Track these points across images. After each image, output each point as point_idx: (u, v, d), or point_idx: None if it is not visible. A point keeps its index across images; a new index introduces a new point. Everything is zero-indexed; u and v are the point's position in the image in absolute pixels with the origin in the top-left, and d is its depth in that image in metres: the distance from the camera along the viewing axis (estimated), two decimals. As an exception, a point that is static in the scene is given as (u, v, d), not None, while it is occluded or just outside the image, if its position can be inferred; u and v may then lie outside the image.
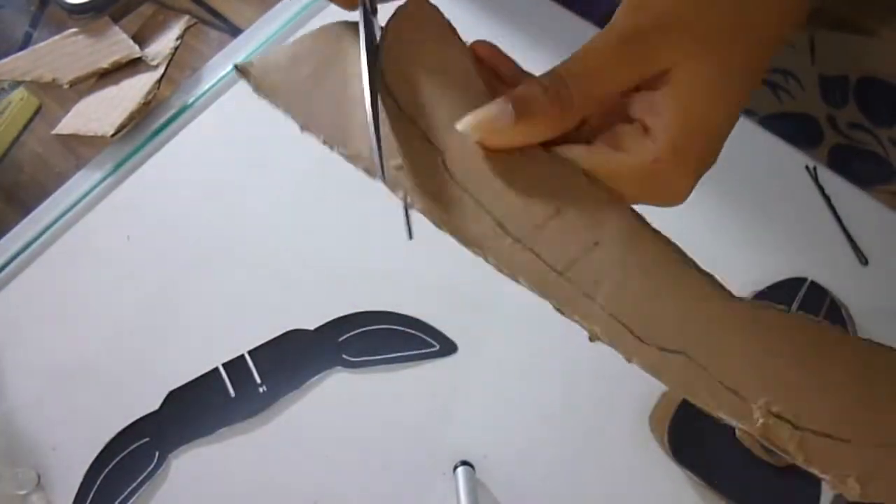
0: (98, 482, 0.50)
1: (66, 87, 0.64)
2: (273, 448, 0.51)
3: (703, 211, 0.58)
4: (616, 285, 0.25)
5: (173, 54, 0.66)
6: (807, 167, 0.59)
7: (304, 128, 0.31)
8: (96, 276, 0.57)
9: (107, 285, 0.56)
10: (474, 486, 0.48)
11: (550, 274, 0.25)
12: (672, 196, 0.29)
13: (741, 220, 0.57)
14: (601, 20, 0.29)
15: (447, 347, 0.53)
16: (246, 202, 0.59)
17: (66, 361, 0.54)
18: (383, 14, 0.31)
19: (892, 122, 0.71)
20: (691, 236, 0.56)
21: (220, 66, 0.64)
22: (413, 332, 0.54)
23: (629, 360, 0.25)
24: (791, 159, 0.59)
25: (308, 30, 0.69)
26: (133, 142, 0.61)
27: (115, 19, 0.67)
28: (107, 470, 0.50)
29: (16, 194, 0.62)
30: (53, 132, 0.63)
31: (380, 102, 0.27)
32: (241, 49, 0.65)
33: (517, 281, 0.26)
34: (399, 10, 0.29)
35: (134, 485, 0.50)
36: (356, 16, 0.30)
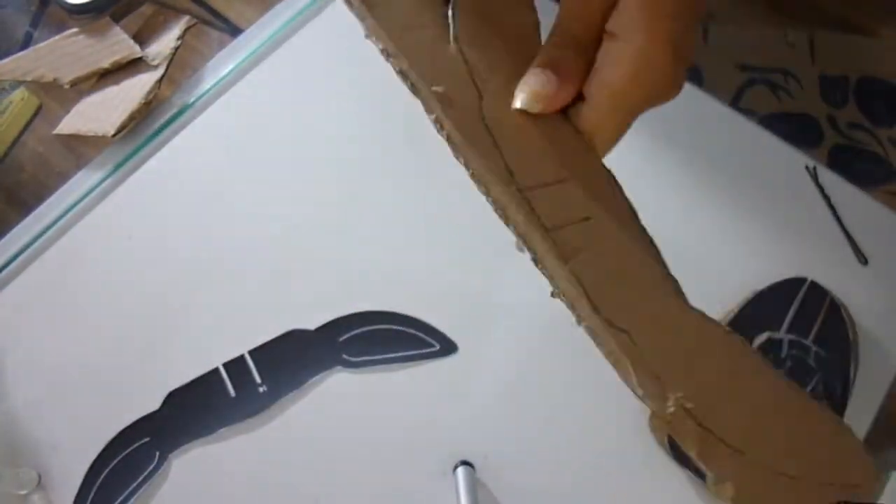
0: (99, 482, 0.50)
1: (66, 86, 0.64)
2: (273, 448, 0.51)
3: (704, 211, 0.58)
4: (591, 257, 0.27)
5: (174, 54, 0.66)
6: (807, 167, 0.59)
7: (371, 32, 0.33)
8: (96, 277, 0.57)
9: (107, 285, 0.56)
10: (474, 486, 0.48)
11: (539, 228, 0.27)
12: (667, 82, 0.28)
13: (741, 220, 0.57)
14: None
15: (447, 347, 0.53)
16: (246, 202, 0.59)
17: (67, 361, 0.54)
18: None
19: (893, 122, 0.71)
20: (692, 236, 0.56)
21: (220, 66, 0.64)
22: (413, 332, 0.54)
23: (578, 323, 0.27)
24: (791, 159, 0.59)
25: (308, 30, 0.69)
26: (134, 142, 0.61)
27: (116, 19, 0.67)
28: (107, 470, 0.50)
29: (16, 194, 0.62)
30: (54, 132, 0.63)
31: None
32: (242, 49, 0.65)
33: (506, 224, 0.29)
34: None
35: (134, 485, 0.50)
36: None
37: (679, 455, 0.49)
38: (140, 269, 0.57)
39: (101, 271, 0.57)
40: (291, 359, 0.53)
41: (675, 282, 0.28)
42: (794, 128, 0.72)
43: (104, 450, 0.51)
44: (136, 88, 0.63)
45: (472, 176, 0.30)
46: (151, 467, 0.51)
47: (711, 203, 0.58)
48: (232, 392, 0.52)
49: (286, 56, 0.64)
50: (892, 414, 0.53)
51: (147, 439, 0.51)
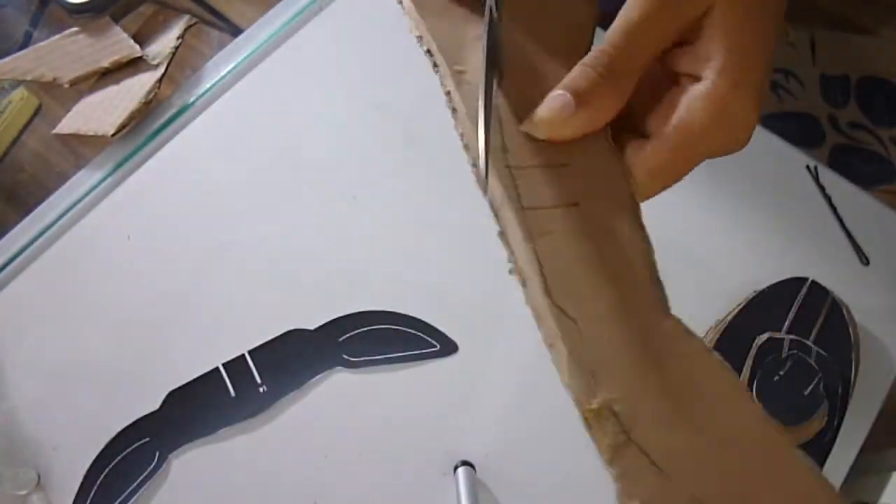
0: (98, 482, 0.50)
1: (66, 86, 0.64)
2: (273, 448, 0.51)
3: (705, 211, 0.58)
4: (558, 243, 0.25)
5: (174, 54, 0.66)
6: (807, 167, 0.59)
7: (418, 29, 0.32)
8: (96, 276, 0.56)
9: (107, 285, 0.56)
10: (474, 486, 0.48)
11: (514, 204, 0.26)
12: (744, 129, 0.28)
13: (742, 219, 0.57)
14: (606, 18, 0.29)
15: (447, 347, 0.53)
16: (246, 202, 0.59)
17: (67, 361, 0.54)
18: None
19: (894, 121, 0.71)
20: (693, 236, 0.56)
21: (220, 66, 0.64)
22: (413, 332, 0.54)
23: (527, 303, 0.26)
24: (792, 159, 0.59)
25: (308, 30, 0.69)
26: (133, 141, 0.61)
27: (116, 19, 0.67)
28: (107, 470, 0.50)
29: (16, 194, 0.62)
30: (54, 132, 0.63)
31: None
32: (242, 49, 0.65)
33: (484, 194, 0.28)
34: None
35: (134, 485, 0.50)
36: None
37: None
38: (140, 269, 0.57)
39: (101, 271, 0.57)
40: (291, 359, 0.53)
41: (660, 286, 0.26)
42: (794, 127, 0.72)
43: (104, 450, 0.51)
44: (135, 88, 0.63)
45: (465, 147, 0.29)
46: (151, 467, 0.51)
47: (712, 203, 0.58)
48: (232, 392, 0.52)
49: (286, 56, 0.64)
50: (892, 414, 0.53)
51: (147, 439, 0.51)
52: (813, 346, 0.50)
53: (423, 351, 0.53)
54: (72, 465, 0.51)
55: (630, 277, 0.26)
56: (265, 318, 0.54)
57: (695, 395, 0.23)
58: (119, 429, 0.52)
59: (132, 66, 0.65)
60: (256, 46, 0.65)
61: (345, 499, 0.50)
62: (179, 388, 0.53)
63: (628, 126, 0.28)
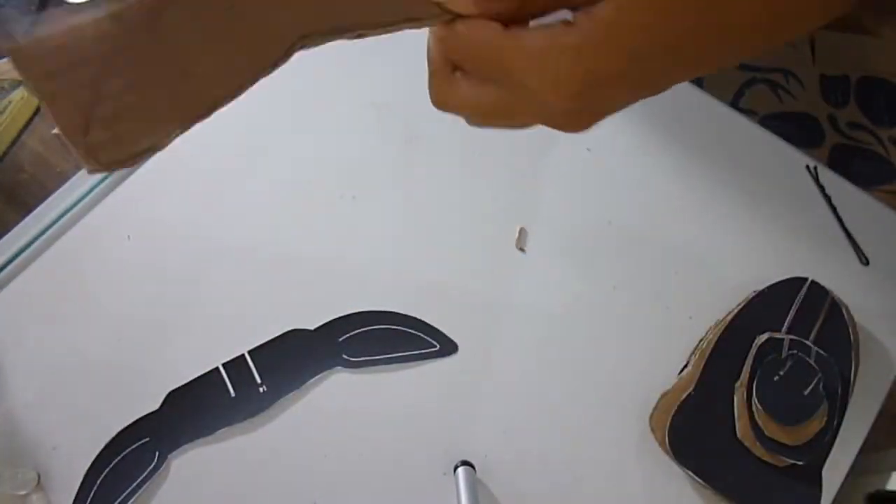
0: (98, 482, 0.50)
1: (66, 86, 0.64)
2: (273, 448, 0.51)
3: (704, 211, 0.58)
4: None
5: (173, 54, 0.66)
6: (807, 167, 0.59)
7: None
8: (96, 276, 0.56)
9: (107, 285, 0.56)
10: (474, 486, 0.48)
11: None
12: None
13: (742, 219, 0.57)
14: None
15: (447, 347, 0.53)
16: (246, 202, 0.59)
17: (67, 361, 0.54)
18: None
19: (894, 121, 0.71)
20: (693, 236, 0.56)
21: (220, 66, 0.64)
22: (413, 332, 0.54)
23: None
24: (791, 159, 0.59)
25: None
26: (133, 141, 0.61)
27: (116, 19, 0.67)
28: (107, 470, 0.50)
29: (16, 194, 0.62)
30: (54, 132, 0.63)
31: None
32: (242, 49, 0.64)
33: None
34: None
35: (134, 485, 0.50)
36: None
37: (679, 455, 0.49)
38: (139, 269, 0.57)
39: (101, 271, 0.57)
40: (291, 359, 0.53)
41: None
42: (794, 127, 0.72)
43: (104, 450, 0.51)
44: (135, 88, 0.63)
45: None
46: (151, 467, 0.51)
47: (712, 203, 0.58)
48: (232, 392, 0.52)
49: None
50: (892, 414, 0.53)
51: (147, 439, 0.51)
52: (813, 346, 0.50)
53: (423, 351, 0.53)
54: (72, 465, 0.51)
55: None
56: (265, 318, 0.54)
57: None
58: (119, 429, 0.52)
59: (132, 66, 0.65)
60: (256, 46, 0.64)
61: (345, 499, 0.50)
62: (179, 388, 0.53)
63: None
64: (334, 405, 0.52)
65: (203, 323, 0.55)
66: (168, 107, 0.25)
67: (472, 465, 0.50)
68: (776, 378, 0.49)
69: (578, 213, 0.57)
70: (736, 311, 0.53)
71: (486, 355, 0.53)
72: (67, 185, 0.60)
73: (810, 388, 0.49)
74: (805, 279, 0.53)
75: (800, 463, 0.47)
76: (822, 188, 0.58)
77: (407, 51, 0.64)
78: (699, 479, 0.49)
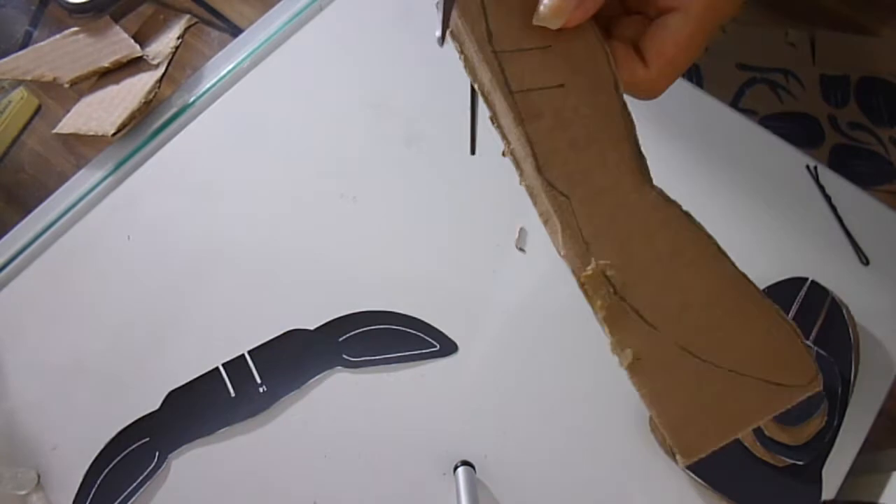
0: (98, 482, 0.50)
1: (66, 86, 0.64)
2: (273, 448, 0.51)
3: (704, 211, 0.57)
4: (552, 123, 0.27)
5: (174, 54, 0.66)
6: (807, 167, 0.59)
7: None
8: (96, 276, 0.57)
9: (107, 285, 0.56)
10: (474, 486, 0.48)
11: (503, 89, 0.27)
12: (698, 53, 0.30)
13: (741, 219, 0.57)
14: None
15: (447, 347, 0.53)
16: (246, 202, 0.59)
17: (67, 361, 0.54)
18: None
19: (893, 121, 0.71)
20: (692, 236, 0.56)
21: (220, 66, 0.64)
22: (413, 332, 0.54)
23: (520, 182, 0.28)
24: (791, 159, 0.59)
25: (308, 30, 0.69)
26: (134, 141, 0.61)
27: (116, 18, 0.67)
28: (107, 470, 0.50)
29: (16, 194, 0.62)
30: (54, 132, 0.63)
31: None
32: (242, 49, 0.65)
33: (473, 83, 0.29)
34: None
35: (134, 485, 0.50)
36: None
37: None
38: (139, 269, 0.57)
39: (101, 271, 0.57)
40: (291, 359, 0.53)
41: (642, 160, 0.28)
42: (794, 127, 0.72)
43: (104, 450, 0.51)
44: (136, 88, 0.63)
45: (452, 34, 0.29)
46: (151, 467, 0.51)
47: (712, 203, 0.58)
48: (232, 392, 0.52)
49: (286, 56, 0.64)
50: (892, 414, 0.53)
51: (147, 439, 0.51)
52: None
53: (423, 351, 0.53)
54: (72, 465, 0.51)
55: (616, 153, 0.27)
56: (265, 318, 0.54)
57: (678, 259, 0.26)
58: (119, 429, 0.52)
59: (132, 65, 0.65)
60: (256, 46, 0.65)
61: (345, 499, 0.50)
62: (179, 388, 0.53)
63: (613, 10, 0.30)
64: (334, 405, 0.52)
65: (203, 323, 0.55)
66: None
67: (472, 465, 0.50)
68: (776, 378, 0.49)
69: (578, 213, 0.57)
70: (736, 311, 0.53)
71: (486, 355, 0.53)
72: (67, 185, 0.60)
73: (810, 388, 0.48)
74: (805, 279, 0.53)
75: (800, 463, 0.47)
76: (822, 188, 0.58)
77: (407, 51, 0.64)
78: (699, 480, 0.49)
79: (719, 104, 0.61)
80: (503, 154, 0.29)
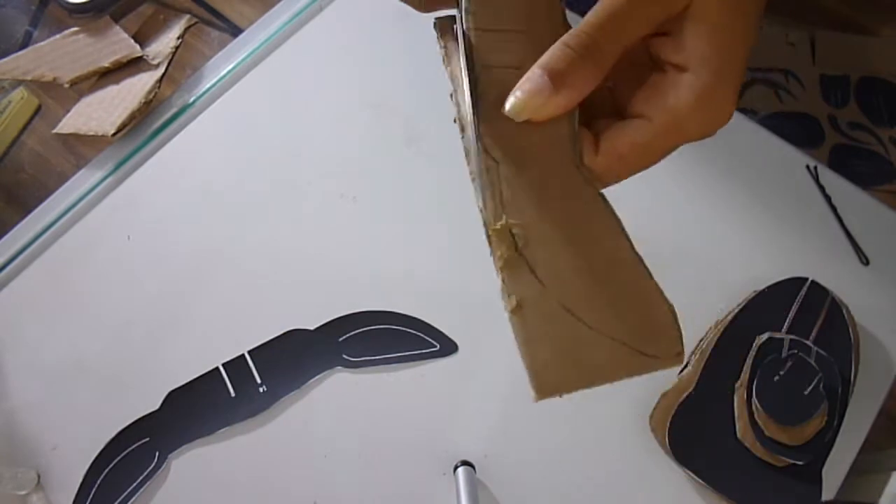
0: (98, 482, 0.50)
1: (66, 86, 0.64)
2: (273, 448, 0.51)
3: (704, 211, 0.58)
4: (496, 97, 0.29)
5: (174, 54, 0.66)
6: (807, 167, 0.59)
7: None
8: (96, 276, 0.57)
9: (107, 285, 0.56)
10: (474, 486, 0.48)
11: (468, 63, 0.30)
12: (723, 117, 0.30)
13: (742, 220, 0.57)
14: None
15: (447, 347, 0.53)
16: (246, 202, 0.59)
17: (67, 361, 0.54)
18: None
19: (893, 121, 0.71)
20: (693, 236, 0.56)
21: (220, 66, 0.64)
22: (413, 332, 0.54)
23: (462, 140, 0.30)
24: (791, 159, 0.59)
25: (308, 30, 0.69)
26: (134, 141, 0.61)
27: (116, 18, 0.67)
28: (107, 470, 0.50)
29: (16, 194, 0.62)
30: (54, 131, 0.63)
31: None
32: (242, 49, 0.65)
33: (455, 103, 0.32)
34: None
35: (134, 485, 0.50)
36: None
37: (679, 455, 0.49)
38: (139, 269, 0.57)
39: (101, 271, 0.57)
40: (291, 359, 0.53)
41: (576, 141, 0.29)
42: (794, 127, 0.72)
43: (104, 450, 0.51)
44: (136, 88, 0.63)
45: (460, 126, 0.32)
46: (151, 467, 0.51)
47: (712, 203, 0.58)
48: (232, 392, 0.52)
49: (286, 56, 0.64)
50: (892, 414, 0.53)
51: (147, 439, 0.51)
52: (813, 346, 0.50)
53: (423, 351, 0.53)
54: (72, 465, 0.51)
55: (553, 130, 0.29)
56: (265, 318, 0.54)
57: (582, 231, 0.29)
58: (119, 429, 0.52)
59: (132, 65, 0.65)
60: (256, 46, 0.65)
61: (345, 499, 0.50)
62: (179, 388, 0.53)
63: (602, 110, 0.30)
64: (334, 405, 0.52)
65: (203, 323, 0.55)
66: None
67: (472, 465, 0.50)
68: (776, 378, 0.49)
69: (578, 213, 0.57)
70: (736, 311, 0.53)
71: (487, 355, 0.53)
72: (67, 185, 0.60)
73: (810, 388, 0.49)
74: (805, 279, 0.53)
75: (800, 463, 0.47)
76: (822, 188, 0.58)
77: (407, 51, 0.64)
78: (699, 479, 0.49)
79: (719, 104, 0.60)
80: (454, 121, 0.32)
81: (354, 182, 0.59)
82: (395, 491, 0.50)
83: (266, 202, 0.59)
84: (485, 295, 0.55)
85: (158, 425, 0.52)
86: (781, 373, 0.49)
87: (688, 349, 0.53)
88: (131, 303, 0.55)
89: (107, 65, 0.64)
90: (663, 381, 0.52)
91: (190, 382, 0.53)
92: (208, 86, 0.63)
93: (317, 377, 0.53)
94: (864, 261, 0.56)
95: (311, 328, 0.54)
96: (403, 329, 0.54)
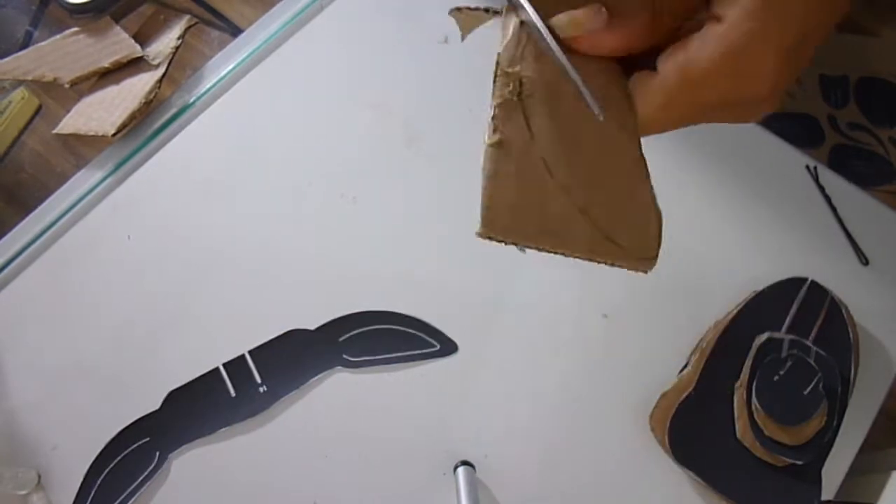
0: (98, 482, 0.50)
1: (66, 86, 0.64)
2: (273, 448, 0.51)
3: (704, 211, 0.58)
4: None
5: (174, 54, 0.66)
6: (807, 167, 0.59)
7: None
8: (96, 276, 0.56)
9: (107, 285, 0.56)
10: (474, 486, 0.48)
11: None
12: (757, 83, 0.25)
13: (742, 220, 0.57)
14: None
15: (447, 347, 0.53)
16: (246, 202, 0.59)
17: (67, 361, 0.54)
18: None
19: (893, 122, 0.71)
20: (693, 236, 0.56)
21: (220, 66, 0.64)
22: (413, 332, 0.54)
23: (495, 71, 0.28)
24: (791, 159, 0.59)
25: (308, 30, 0.69)
26: (134, 141, 0.61)
27: (116, 19, 0.67)
28: (107, 470, 0.50)
29: (16, 194, 0.62)
30: (54, 132, 0.63)
31: None
32: (242, 49, 0.65)
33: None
34: None
35: (134, 485, 0.50)
36: None
37: (679, 455, 0.49)
38: (140, 269, 0.57)
39: (101, 271, 0.57)
40: (291, 359, 0.53)
41: (629, 101, 0.28)
42: (794, 127, 0.72)
43: (104, 450, 0.51)
44: (136, 88, 0.63)
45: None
46: (151, 467, 0.51)
47: (712, 203, 0.58)
48: (232, 392, 0.52)
49: (286, 56, 0.64)
50: (891, 414, 0.53)
51: (147, 439, 0.51)
52: (813, 346, 0.50)
53: (423, 351, 0.53)
54: (72, 465, 0.51)
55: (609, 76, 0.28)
56: (265, 318, 0.54)
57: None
58: (119, 429, 0.52)
59: (132, 66, 0.65)
60: (256, 46, 0.65)
61: (345, 499, 0.50)
62: (179, 388, 0.53)
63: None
64: (334, 405, 0.52)
65: (203, 323, 0.55)
66: None
67: (472, 465, 0.50)
68: (776, 378, 0.49)
69: (578, 213, 0.57)
70: (736, 311, 0.53)
71: (487, 355, 0.53)
72: (67, 185, 0.60)
73: (810, 388, 0.49)
74: (805, 279, 0.53)
75: (799, 463, 0.47)
76: (822, 188, 0.58)
77: (407, 51, 0.64)
78: (699, 479, 0.49)
79: (719, 104, 0.61)
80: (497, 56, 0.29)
81: (354, 182, 0.59)
82: (395, 491, 0.50)
83: (266, 202, 0.59)
84: (485, 295, 0.55)
85: (159, 425, 0.52)
86: (781, 373, 0.49)
87: (688, 349, 0.53)
88: (131, 303, 0.55)
89: (107, 65, 0.64)
90: (663, 380, 0.52)
91: (190, 382, 0.53)
92: (208, 86, 0.63)
93: (317, 377, 0.53)
94: (864, 261, 0.56)
95: (312, 328, 0.54)
96: (403, 329, 0.54)
